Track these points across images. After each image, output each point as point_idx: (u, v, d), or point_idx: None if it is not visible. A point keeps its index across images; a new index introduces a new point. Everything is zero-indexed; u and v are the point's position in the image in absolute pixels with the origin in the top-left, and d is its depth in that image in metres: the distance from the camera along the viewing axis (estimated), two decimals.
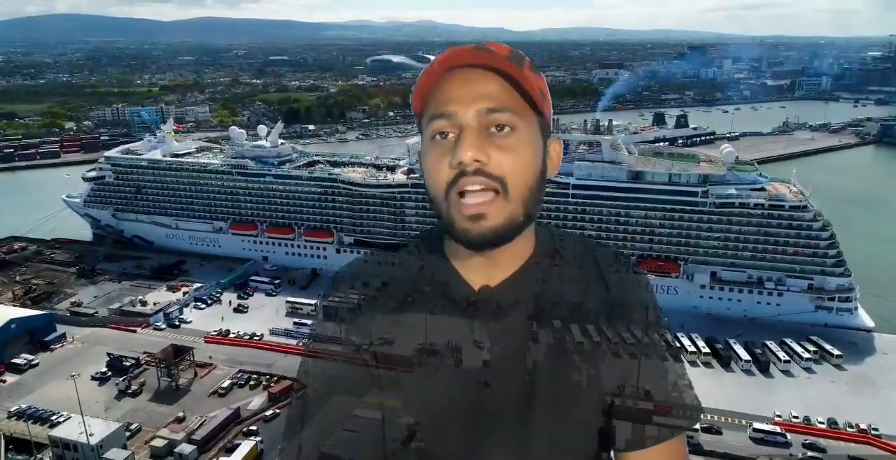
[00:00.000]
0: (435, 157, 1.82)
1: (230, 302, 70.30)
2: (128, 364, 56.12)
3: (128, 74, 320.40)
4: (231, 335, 62.55)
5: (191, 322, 66.06)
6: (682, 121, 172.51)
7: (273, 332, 62.91)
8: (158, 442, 45.10)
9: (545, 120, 1.92)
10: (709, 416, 47.85)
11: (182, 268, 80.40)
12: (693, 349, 57.43)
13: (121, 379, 54.02)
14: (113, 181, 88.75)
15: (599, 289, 1.99)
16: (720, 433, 46.02)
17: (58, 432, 44.33)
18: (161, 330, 64.39)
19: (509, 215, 1.79)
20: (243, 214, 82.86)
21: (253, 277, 75.83)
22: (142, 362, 56.36)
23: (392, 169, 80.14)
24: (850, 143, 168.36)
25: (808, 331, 61.67)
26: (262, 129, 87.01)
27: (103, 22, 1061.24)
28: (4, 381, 55.11)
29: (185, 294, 71.44)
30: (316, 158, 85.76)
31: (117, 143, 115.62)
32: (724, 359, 56.56)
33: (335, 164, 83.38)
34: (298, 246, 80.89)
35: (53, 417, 47.98)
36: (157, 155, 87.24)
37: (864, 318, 63.32)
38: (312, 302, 66.49)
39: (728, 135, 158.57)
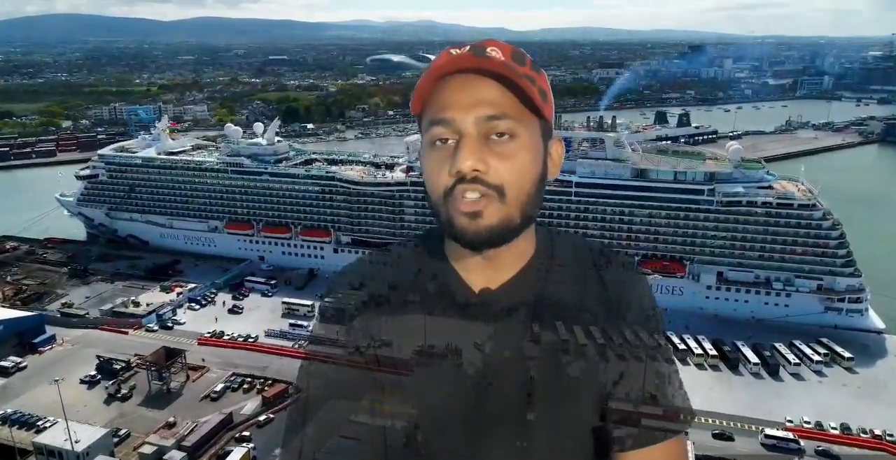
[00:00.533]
0: (434, 163, 1.81)
1: (223, 302, 68.77)
2: (118, 367, 54.51)
3: (127, 74, 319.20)
4: (225, 337, 60.97)
5: (184, 323, 64.47)
6: (684, 120, 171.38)
7: (268, 334, 61.35)
8: (147, 449, 43.46)
9: (546, 122, 1.88)
10: (718, 421, 46.38)
11: (176, 268, 78.81)
12: (700, 351, 55.89)
13: (110, 382, 52.42)
14: (106, 179, 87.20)
15: (597, 289, 1.98)
16: (732, 439, 44.44)
17: (42, 438, 42.75)
18: (153, 331, 62.77)
19: (504, 216, 1.79)
20: (239, 213, 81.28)
21: (248, 277, 74.24)
22: (132, 365, 54.76)
23: (391, 167, 78.53)
24: (853, 142, 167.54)
25: (818, 332, 60.07)
26: (258, 127, 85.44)
27: (103, 22, 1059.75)
28: None
29: (178, 294, 69.82)
30: (313, 156, 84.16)
31: (114, 142, 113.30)
32: (732, 362, 54.96)
33: (333, 162, 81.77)
34: (295, 245, 79.32)
35: (39, 422, 46.35)
36: (151, 153, 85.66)
37: (875, 320, 61.71)
38: (309, 303, 64.96)
39: (731, 134, 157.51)
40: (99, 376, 53.61)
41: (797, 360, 54.63)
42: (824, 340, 58.16)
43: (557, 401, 1.93)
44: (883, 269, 68.83)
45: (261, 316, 65.71)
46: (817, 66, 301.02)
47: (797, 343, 57.36)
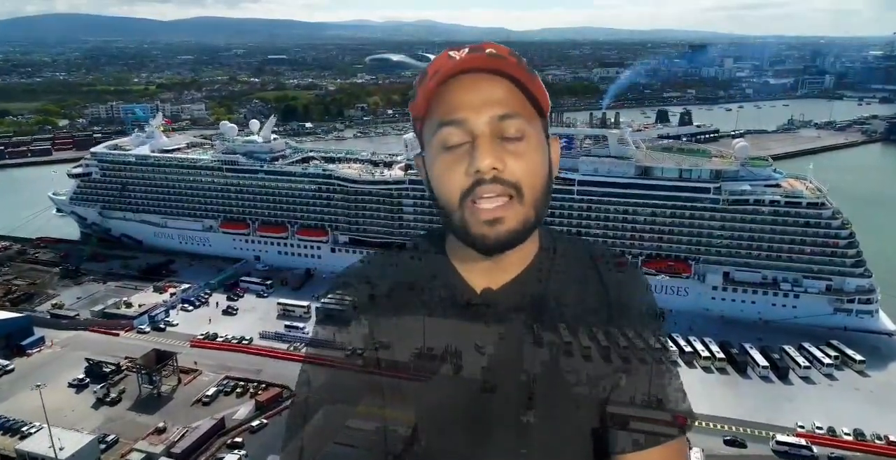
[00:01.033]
0: (447, 165, 1.79)
1: (217, 303, 67.18)
2: (107, 370, 52.89)
3: (125, 73, 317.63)
4: (219, 339, 59.40)
5: (177, 325, 62.90)
6: (685, 119, 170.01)
7: (263, 336, 59.77)
8: (135, 456, 42.03)
9: (546, 120, 1.92)
10: (728, 427, 44.82)
11: (170, 268, 77.22)
12: (707, 354, 54.31)
13: (99, 386, 50.78)
14: (99, 178, 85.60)
15: (599, 290, 1.98)
16: (744, 446, 42.85)
17: (26, 445, 41.19)
18: (145, 333, 61.18)
19: (524, 218, 1.80)
20: (234, 212, 79.70)
21: (244, 278, 72.63)
22: (122, 368, 53.13)
23: (389, 165, 76.93)
24: (856, 141, 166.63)
25: (827, 334, 58.45)
26: (254, 124, 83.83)
27: (103, 21, 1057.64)
28: None
29: (172, 295, 68.19)
30: (310, 154, 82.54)
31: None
32: (740, 365, 53.33)
33: (330, 160, 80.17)
34: (291, 245, 77.72)
35: (25, 428, 44.80)
36: (145, 150, 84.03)
37: (886, 321, 60.09)
38: (305, 304, 63.44)
39: (733, 133, 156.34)
40: (88, 379, 52.01)
41: (807, 363, 53.03)
42: (834, 342, 56.56)
43: (558, 403, 1.92)
44: (893, 270, 67.16)
45: (256, 317, 64.12)
46: (818, 65, 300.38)
47: (806, 345, 55.78)
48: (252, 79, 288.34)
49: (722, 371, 53.27)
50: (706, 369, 53.36)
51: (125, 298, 67.22)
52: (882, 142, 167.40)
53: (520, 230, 1.80)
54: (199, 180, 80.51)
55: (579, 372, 1.92)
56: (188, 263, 78.37)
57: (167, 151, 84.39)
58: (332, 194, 75.02)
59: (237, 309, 66.14)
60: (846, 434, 44.35)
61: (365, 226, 74.14)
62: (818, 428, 44.78)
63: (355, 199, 73.78)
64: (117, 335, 60.64)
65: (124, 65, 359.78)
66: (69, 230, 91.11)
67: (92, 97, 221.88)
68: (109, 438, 44.29)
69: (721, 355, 54.14)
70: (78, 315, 64.54)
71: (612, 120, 75.58)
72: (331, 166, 76.91)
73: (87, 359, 54.10)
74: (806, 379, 52.00)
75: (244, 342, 58.74)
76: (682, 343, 55.77)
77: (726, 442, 42.81)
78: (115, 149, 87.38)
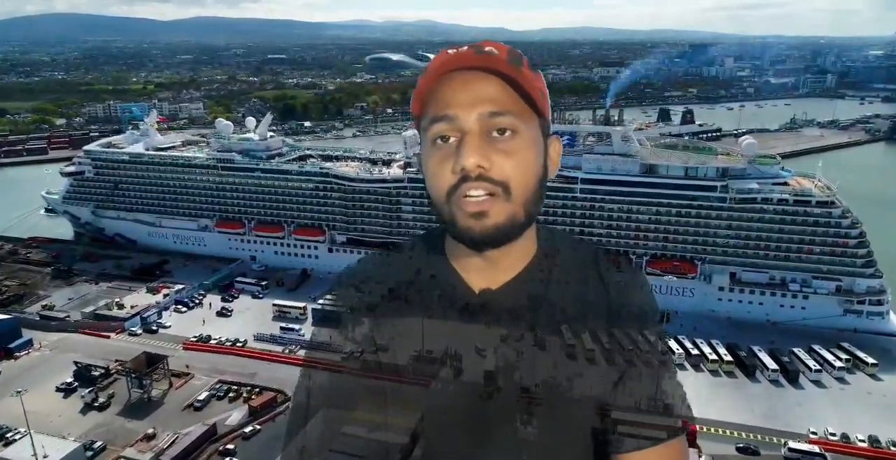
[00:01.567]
0: (437, 162, 1.80)
1: (210, 304, 65.62)
2: (96, 374, 51.29)
3: (124, 72, 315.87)
4: (212, 341, 57.79)
5: (169, 326, 61.34)
6: (687, 118, 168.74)
7: (258, 338, 58.21)
8: None
9: (545, 120, 1.90)
10: (738, 433, 43.27)
11: (164, 268, 75.63)
12: (714, 357, 52.72)
13: (87, 390, 49.15)
14: (93, 176, 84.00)
15: (598, 290, 1.99)
16: (758, 453, 41.27)
17: (8, 453, 39.58)
18: (137, 335, 59.63)
19: (511, 214, 1.79)
20: (230, 211, 78.13)
21: (238, 278, 71.02)
22: (112, 372, 51.56)
23: (388, 163, 75.35)
24: (860, 140, 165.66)
25: (837, 336, 56.87)
26: (250, 121, 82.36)
27: (102, 21, 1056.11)
28: None
29: (165, 296, 66.60)
30: (308, 152, 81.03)
31: None
32: (749, 368, 51.75)
33: (328, 159, 78.64)
34: (288, 245, 76.17)
35: (9, 434, 43.21)
36: (139, 149, 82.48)
37: None
38: (301, 305, 61.92)
39: (735, 132, 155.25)
40: (76, 383, 50.43)
41: (817, 366, 51.42)
42: (845, 345, 54.95)
43: (559, 406, 1.90)
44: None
45: (250, 319, 62.56)
46: (819, 64, 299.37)
47: (816, 348, 54.19)
48: (251, 78, 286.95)
49: (730, 374, 51.69)
50: (714, 372, 51.81)
51: (117, 299, 65.64)
52: (886, 141, 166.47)
53: (507, 226, 1.78)
54: (194, 179, 78.95)
55: (579, 374, 1.90)
56: (183, 263, 76.80)
57: (162, 149, 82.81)
58: (329, 193, 73.46)
59: (231, 310, 64.56)
60: (860, 440, 42.76)
61: (363, 226, 72.58)
62: (831, 434, 43.18)
63: (353, 198, 72.22)
64: (108, 337, 59.10)
65: (123, 64, 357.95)
66: (63, 230, 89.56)
67: (90, 96, 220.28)
68: (96, 445, 42.69)
69: (729, 358, 52.60)
70: (68, 316, 62.96)
71: (616, 117, 74.11)
72: (328, 164, 75.37)
73: (76, 363, 52.51)
74: (817, 382, 50.41)
75: (238, 344, 57.16)
76: (689, 345, 54.21)
77: (739, 450, 41.28)
78: (108, 148, 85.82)
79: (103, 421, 46.64)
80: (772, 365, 51.37)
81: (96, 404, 48.06)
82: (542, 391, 1.89)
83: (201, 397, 48.34)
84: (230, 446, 43.09)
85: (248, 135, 79.06)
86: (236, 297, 67.47)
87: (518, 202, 1.77)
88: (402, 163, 72.89)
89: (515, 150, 1.76)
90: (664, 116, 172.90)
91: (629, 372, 1.93)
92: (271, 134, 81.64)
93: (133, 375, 49.15)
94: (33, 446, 37.88)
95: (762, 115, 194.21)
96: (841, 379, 50.80)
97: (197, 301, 66.48)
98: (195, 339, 57.90)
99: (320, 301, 59.98)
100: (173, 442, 42.65)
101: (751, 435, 43.37)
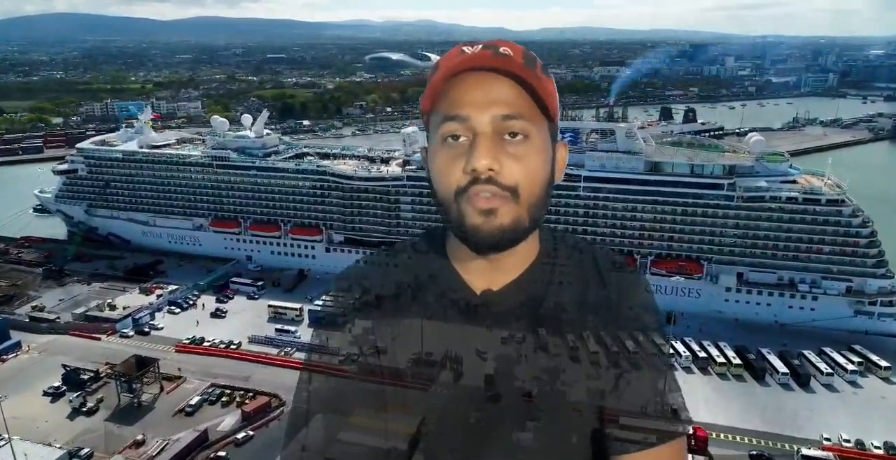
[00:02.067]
0: (446, 160, 1.79)
1: (203, 305, 64.08)
2: (85, 377, 49.72)
3: (123, 72, 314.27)
4: (205, 343, 56.25)
5: (162, 328, 59.82)
6: (689, 116, 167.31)
7: (252, 340, 56.66)
8: None
9: (555, 125, 1.90)
10: (748, 439, 41.71)
11: (158, 268, 74.09)
12: (722, 360, 51.17)
13: (75, 395, 47.55)
14: (85, 174, 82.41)
15: (599, 292, 1.98)
16: None
17: None
18: (128, 337, 58.09)
19: (517, 217, 1.78)
20: (225, 210, 76.56)
21: (234, 279, 69.45)
22: (101, 375, 50.01)
23: (386, 161, 73.74)
24: (863, 139, 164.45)
25: (848, 338, 55.36)
26: (246, 119, 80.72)
27: (102, 21, 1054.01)
28: None
29: (158, 297, 65.06)
30: (305, 150, 79.42)
31: None
32: (758, 372, 50.17)
33: (325, 156, 77.04)
34: (284, 244, 74.61)
35: None
36: (133, 146, 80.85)
37: None
38: (297, 306, 60.45)
39: (738, 131, 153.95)
40: (64, 387, 48.82)
41: (829, 370, 49.82)
42: (857, 347, 53.45)
43: (559, 408, 1.90)
44: None
45: (245, 320, 61.02)
46: (820, 63, 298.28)
47: (827, 350, 52.64)
48: (250, 77, 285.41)
49: (738, 378, 50.14)
50: (722, 376, 50.27)
51: (109, 300, 64.08)
52: (889, 140, 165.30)
53: (512, 229, 1.76)
54: (189, 177, 77.36)
55: (579, 376, 1.89)
56: (177, 264, 75.26)
57: (156, 147, 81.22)
58: (326, 191, 71.91)
59: (226, 311, 63.01)
60: (876, 447, 41.21)
61: (361, 225, 71.02)
62: (845, 440, 41.65)
63: (351, 197, 70.66)
64: (99, 339, 57.56)
65: (122, 64, 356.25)
66: (56, 229, 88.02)
67: (87, 96, 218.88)
68: (83, 452, 41.11)
69: (737, 361, 51.02)
70: (58, 318, 61.35)
71: (620, 114, 72.58)
72: (325, 162, 73.79)
73: (65, 366, 50.99)
74: (829, 386, 48.84)
75: (232, 347, 55.64)
76: (696, 348, 52.69)
77: (752, 457, 39.73)
78: (102, 145, 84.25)
79: (91, 426, 45.09)
80: (782, 368, 49.80)
81: (84, 409, 46.49)
82: (541, 394, 1.87)
83: (193, 402, 46.77)
84: (222, 453, 41.57)
85: (243, 132, 77.50)
86: (231, 298, 65.93)
87: (525, 207, 1.76)
88: (400, 161, 71.35)
89: (526, 155, 1.75)
90: (666, 115, 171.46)
91: (628, 374, 1.91)
92: (268, 131, 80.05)
93: (123, 379, 47.69)
94: (14, 454, 36.29)
95: (764, 113, 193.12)
96: (853, 383, 49.25)
97: (191, 302, 64.93)
98: (188, 341, 56.36)
99: (317, 302, 58.69)
100: (163, 448, 41.20)
101: (762, 441, 41.84)
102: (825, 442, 41.59)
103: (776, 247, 59.59)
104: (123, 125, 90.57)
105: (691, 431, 39.33)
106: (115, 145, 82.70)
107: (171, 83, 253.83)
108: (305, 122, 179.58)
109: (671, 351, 52.67)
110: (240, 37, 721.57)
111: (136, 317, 60.35)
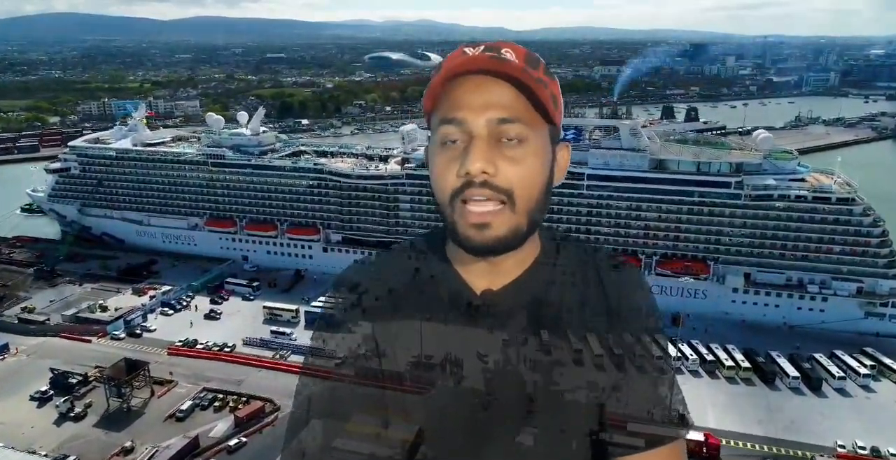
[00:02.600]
0: (443, 163, 1.80)
1: (197, 306, 62.59)
2: (74, 381, 48.24)
3: (121, 71, 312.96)
4: (198, 346, 54.80)
5: (154, 330, 58.35)
6: (692, 115, 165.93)
7: (247, 343, 55.22)
8: None
9: (556, 127, 1.89)
10: (760, 446, 40.20)
11: (152, 268, 72.63)
12: (730, 363, 49.66)
13: (63, 399, 46.03)
14: (78, 173, 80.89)
15: (599, 293, 1.98)
16: None
17: None
18: (119, 339, 56.59)
19: (514, 226, 1.78)
20: (220, 209, 75.07)
21: (229, 279, 67.93)
22: (90, 379, 48.50)
23: (385, 159, 72.22)
24: (866, 138, 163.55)
25: (858, 341, 53.94)
26: (242, 116, 79.12)
27: (102, 21, 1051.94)
28: None
29: (151, 298, 63.54)
30: (302, 148, 77.85)
31: None
32: (768, 375, 48.69)
33: (322, 155, 75.48)
34: (281, 244, 73.13)
35: None
36: (127, 144, 79.33)
37: None
38: (293, 307, 58.94)
39: (740, 130, 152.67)
40: (52, 392, 47.36)
41: (841, 373, 48.34)
42: (868, 350, 51.98)
43: (559, 409, 1.89)
44: None
45: (240, 322, 59.57)
46: (821, 63, 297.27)
47: (839, 353, 51.12)
48: (250, 77, 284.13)
49: (748, 381, 48.67)
50: (730, 379, 48.81)
51: (101, 301, 62.62)
52: (893, 138, 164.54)
53: (508, 238, 1.76)
54: (184, 175, 75.87)
55: (580, 378, 1.88)
56: (171, 264, 73.81)
57: (151, 145, 79.70)
58: (324, 190, 70.43)
59: (220, 313, 61.53)
60: (892, 454, 39.82)
61: (359, 224, 69.53)
62: (860, 447, 40.19)
63: (349, 196, 69.17)
64: (89, 341, 56.11)
65: (121, 63, 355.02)
66: (49, 229, 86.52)
67: (85, 95, 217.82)
68: (69, 459, 39.63)
69: (746, 364, 49.53)
70: (48, 319, 59.89)
71: (623, 112, 71.02)
72: (323, 160, 72.27)
73: (52, 369, 49.50)
74: (841, 391, 47.37)
75: (226, 349, 54.15)
76: (703, 351, 51.20)
77: None
78: (95, 143, 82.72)
79: (79, 432, 43.64)
80: (792, 372, 48.33)
81: (72, 414, 45.09)
82: (542, 396, 1.86)
83: (184, 407, 45.29)
84: None
85: (239, 130, 75.96)
86: (226, 299, 64.46)
87: (521, 212, 1.75)
88: (399, 158, 69.81)
89: (522, 158, 1.73)
90: (668, 114, 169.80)
91: (628, 375, 1.89)
92: (264, 129, 78.54)
93: (112, 383, 46.18)
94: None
95: (766, 112, 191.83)
96: (866, 387, 47.81)
97: (184, 303, 63.44)
98: (180, 344, 54.86)
99: (314, 303, 57.22)
100: (152, 456, 39.84)
101: (774, 448, 40.39)
102: (839, 449, 40.16)
103: (785, 247, 58.12)
104: (118, 123, 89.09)
105: (703, 438, 37.98)
106: (109, 143, 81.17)
107: (169, 82, 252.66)
108: (304, 121, 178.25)
109: (678, 354, 51.60)
110: (240, 36, 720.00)
111: (128, 318, 58.89)
